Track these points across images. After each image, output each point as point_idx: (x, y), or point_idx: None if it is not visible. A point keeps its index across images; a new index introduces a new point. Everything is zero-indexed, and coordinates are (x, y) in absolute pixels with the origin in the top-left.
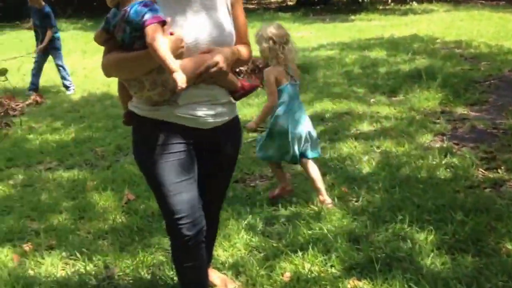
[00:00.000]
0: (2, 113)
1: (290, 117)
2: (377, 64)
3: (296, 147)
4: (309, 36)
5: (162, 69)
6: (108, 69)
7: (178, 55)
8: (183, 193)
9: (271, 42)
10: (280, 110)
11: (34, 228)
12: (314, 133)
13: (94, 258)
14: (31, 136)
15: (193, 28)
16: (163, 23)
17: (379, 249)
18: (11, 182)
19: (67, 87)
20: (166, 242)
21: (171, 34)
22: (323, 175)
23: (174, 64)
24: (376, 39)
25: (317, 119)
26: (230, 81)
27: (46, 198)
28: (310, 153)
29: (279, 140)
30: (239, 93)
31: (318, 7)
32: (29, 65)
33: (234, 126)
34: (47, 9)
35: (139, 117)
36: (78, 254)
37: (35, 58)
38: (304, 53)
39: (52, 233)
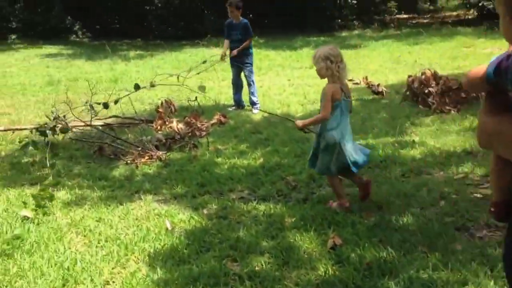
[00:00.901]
0: (190, 134)
1: (341, 130)
2: None
3: (349, 157)
4: (499, 52)
5: None
6: (496, 139)
7: None
8: None
9: (328, 61)
10: (333, 123)
11: (236, 272)
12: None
13: None
14: (219, 159)
15: None
16: None
17: None
18: (205, 211)
19: (253, 104)
20: None
21: None
22: None
23: None
24: None
25: None
26: None
27: (244, 235)
28: (361, 160)
29: (333, 152)
30: None
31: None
32: (212, 82)
33: None
34: (244, 20)
35: None
36: None
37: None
38: None
39: (256, 280)
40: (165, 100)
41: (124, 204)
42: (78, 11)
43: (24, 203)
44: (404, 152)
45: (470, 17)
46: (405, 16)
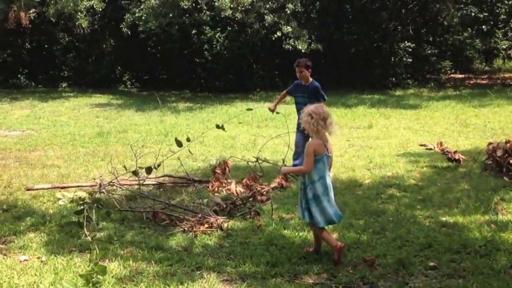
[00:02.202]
0: (251, 198)
1: (324, 183)
2: None
3: (330, 209)
4: None
5: None
6: None
7: None
8: None
9: (309, 117)
10: (316, 176)
11: None
12: None
13: None
14: (286, 232)
15: None
16: None
17: None
18: None
19: None
20: None
21: None
22: None
23: None
24: None
25: None
26: None
27: None
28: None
29: (319, 204)
30: None
31: None
32: (263, 139)
33: None
34: (315, 82)
35: None
36: None
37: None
38: None
39: None
40: (223, 160)
41: (185, 284)
42: (128, 61)
43: (73, 279)
44: (505, 236)
45: None
46: (460, 76)
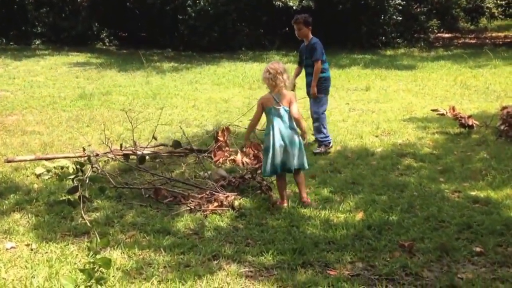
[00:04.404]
0: (259, 170)
1: (271, 138)
2: None
3: (277, 159)
4: None
5: None
6: None
7: None
8: None
9: (267, 73)
10: (267, 129)
11: None
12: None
13: None
14: (305, 210)
15: None
16: None
17: None
18: None
19: (319, 142)
20: None
21: None
22: None
23: None
24: None
25: None
26: None
27: None
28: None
29: (267, 155)
30: None
31: None
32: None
33: None
34: (314, 39)
35: None
36: None
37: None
38: None
39: None
40: (224, 126)
41: (204, 279)
42: (106, 17)
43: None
44: None
45: None
46: (447, 35)
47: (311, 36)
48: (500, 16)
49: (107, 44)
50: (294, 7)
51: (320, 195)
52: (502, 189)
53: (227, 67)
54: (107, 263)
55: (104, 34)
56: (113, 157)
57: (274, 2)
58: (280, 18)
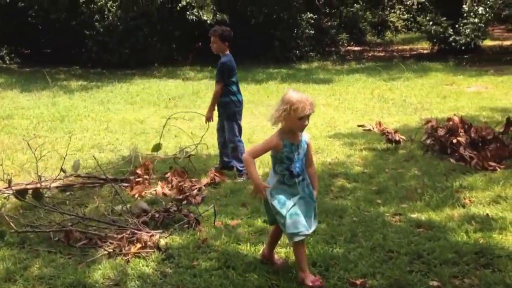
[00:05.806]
0: (185, 201)
1: None
2: None
3: None
4: (488, 92)
5: None
6: None
7: None
8: None
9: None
10: None
11: None
12: None
13: None
14: (240, 246)
15: None
16: None
17: None
18: None
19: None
20: None
21: None
22: None
23: None
24: None
25: None
26: None
27: None
28: None
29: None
30: None
31: (467, 56)
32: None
33: None
34: (224, 59)
35: None
36: None
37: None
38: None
39: None
40: (146, 161)
41: None
42: (5, 33)
43: None
44: (495, 236)
45: (426, 51)
46: (357, 48)
47: (227, 52)
48: (403, 30)
49: (7, 62)
50: (209, 21)
51: (254, 227)
52: (441, 209)
53: (140, 84)
54: None
55: (4, 52)
56: (14, 194)
57: (187, 16)
58: (193, 32)
